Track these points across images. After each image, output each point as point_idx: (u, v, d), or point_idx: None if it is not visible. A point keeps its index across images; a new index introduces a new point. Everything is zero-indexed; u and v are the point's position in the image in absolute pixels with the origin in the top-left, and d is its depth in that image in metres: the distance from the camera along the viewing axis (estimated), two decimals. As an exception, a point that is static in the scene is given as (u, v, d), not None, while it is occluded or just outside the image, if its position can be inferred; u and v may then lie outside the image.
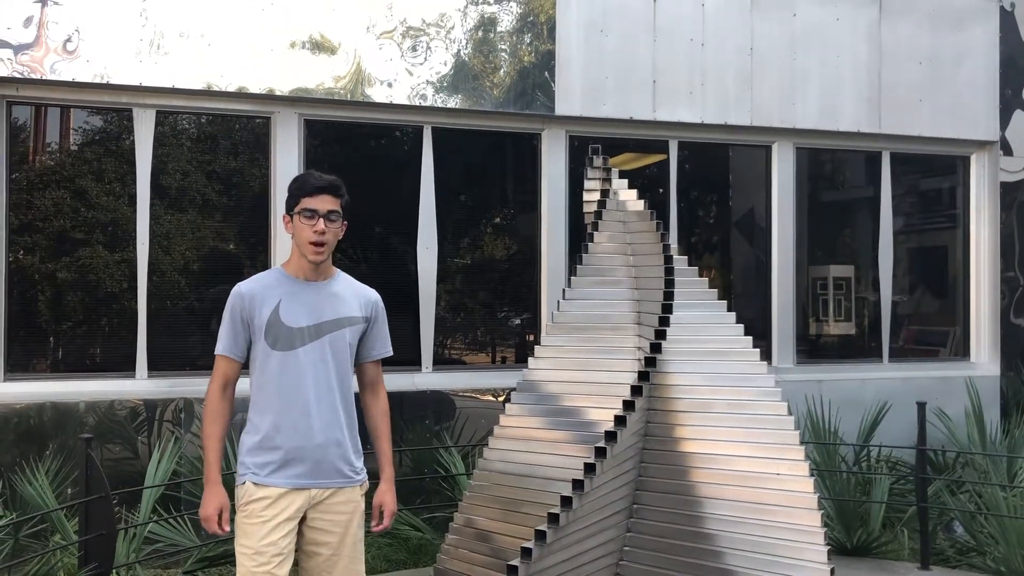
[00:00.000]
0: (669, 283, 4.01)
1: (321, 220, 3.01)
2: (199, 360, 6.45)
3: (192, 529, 5.21)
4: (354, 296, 3.18)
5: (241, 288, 3.11)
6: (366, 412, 3.27)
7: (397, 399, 6.70)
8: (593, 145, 4.56)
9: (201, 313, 6.52)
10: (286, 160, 6.39)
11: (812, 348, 7.72)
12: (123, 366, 6.22)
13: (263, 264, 6.41)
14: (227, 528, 3.06)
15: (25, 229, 6.08)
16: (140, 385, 6.21)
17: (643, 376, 3.86)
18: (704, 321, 4.11)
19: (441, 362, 6.87)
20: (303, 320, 3.05)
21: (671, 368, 3.95)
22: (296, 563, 3.12)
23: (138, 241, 6.19)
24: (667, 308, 3.96)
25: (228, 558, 5.08)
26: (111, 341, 6.32)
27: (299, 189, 3.07)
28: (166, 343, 6.35)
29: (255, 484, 3.01)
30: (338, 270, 3.24)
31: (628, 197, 4.41)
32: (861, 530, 5.44)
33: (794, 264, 7.48)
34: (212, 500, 3.01)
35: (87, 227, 6.17)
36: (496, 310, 7.31)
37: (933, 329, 8.17)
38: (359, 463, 3.17)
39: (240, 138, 6.62)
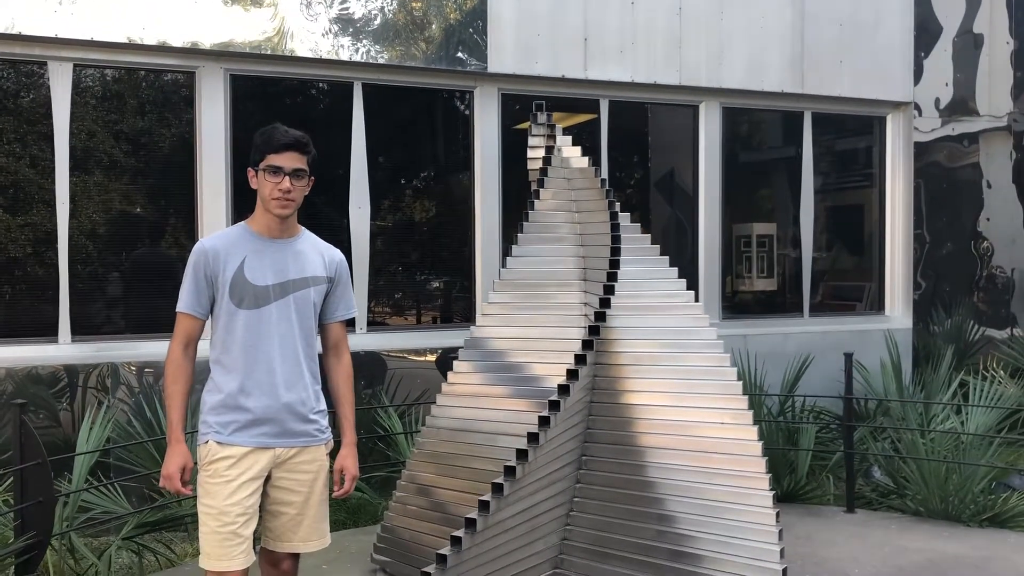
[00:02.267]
0: (615, 239, 4.07)
1: (287, 178, 2.95)
2: (124, 324, 6.25)
3: (125, 497, 5.09)
4: (318, 255, 3.12)
5: (204, 244, 3.00)
6: (329, 375, 3.19)
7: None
8: (537, 102, 4.55)
9: (125, 276, 6.31)
10: (212, 116, 6.19)
11: (736, 304, 7.94)
12: (45, 331, 5.99)
13: (187, 224, 6.23)
14: (190, 489, 2.99)
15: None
16: (63, 350, 5.99)
17: (593, 331, 3.92)
18: (648, 277, 4.18)
19: (375, 323, 6.83)
20: (269, 278, 2.99)
21: (616, 323, 4.01)
22: (261, 523, 3.08)
23: (57, 201, 5.92)
24: (614, 264, 4.02)
25: (166, 524, 4.99)
26: (31, 305, 6.06)
27: (265, 144, 2.98)
28: (89, 307, 6.14)
29: (218, 443, 2.94)
30: (303, 228, 3.17)
31: (572, 154, 4.44)
32: (789, 478, 5.66)
33: (720, 222, 7.65)
34: (175, 459, 2.92)
35: (2, 187, 5.88)
36: (430, 270, 7.29)
37: (850, 284, 8.49)
38: (324, 422, 3.13)
39: (163, 94, 6.37)
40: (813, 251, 8.06)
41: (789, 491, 5.61)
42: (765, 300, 8.09)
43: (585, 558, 3.75)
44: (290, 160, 2.96)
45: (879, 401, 6.64)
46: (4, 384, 5.77)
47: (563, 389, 3.71)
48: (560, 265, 4.29)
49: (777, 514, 3.45)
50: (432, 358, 6.88)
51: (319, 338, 3.16)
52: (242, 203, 6.33)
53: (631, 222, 4.32)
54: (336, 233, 6.59)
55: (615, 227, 4.11)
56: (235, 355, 2.98)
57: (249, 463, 2.95)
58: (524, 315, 4.29)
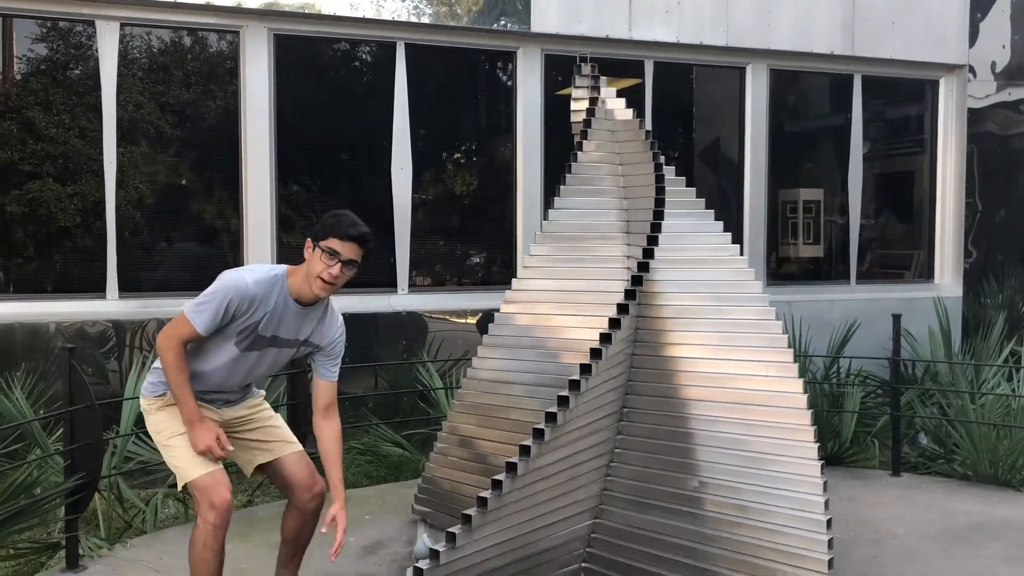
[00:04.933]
0: (660, 191, 4.01)
1: (339, 265, 3.04)
2: (169, 282, 6.34)
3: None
4: (323, 326, 3.25)
5: (250, 288, 3.04)
6: (319, 436, 3.28)
7: (372, 321, 6.70)
8: (581, 55, 4.48)
9: (171, 234, 6.39)
10: (256, 76, 6.23)
11: (782, 270, 7.83)
12: (93, 287, 6.09)
13: (231, 184, 6.28)
14: (229, 448, 3.12)
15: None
16: (111, 306, 6.10)
17: (636, 281, 3.87)
18: (692, 230, 4.11)
19: (416, 284, 6.84)
20: (270, 332, 3.13)
21: (659, 276, 3.96)
22: (254, 471, 3.38)
23: (105, 160, 6.01)
24: (658, 216, 3.96)
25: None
26: (81, 263, 6.17)
27: (332, 228, 3.06)
28: (136, 265, 6.23)
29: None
30: (330, 299, 3.27)
31: (616, 106, 4.37)
32: (833, 442, 5.58)
33: (766, 187, 7.53)
34: (205, 432, 3.05)
35: (48, 152, 5.98)
36: (471, 232, 7.27)
37: (898, 252, 8.32)
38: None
39: (208, 66, 6.42)
40: (861, 218, 7.91)
41: (833, 455, 5.53)
42: (811, 267, 7.96)
43: (626, 508, 3.73)
44: (350, 251, 3.05)
45: (927, 366, 6.51)
46: (54, 339, 5.88)
47: (605, 338, 3.68)
48: (603, 217, 4.25)
49: (822, 465, 3.40)
50: (472, 320, 6.89)
51: (315, 394, 3.31)
52: (285, 171, 6.38)
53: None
54: (377, 194, 6.61)
55: (659, 179, 4.05)
56: (206, 364, 3.14)
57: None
58: (565, 267, 4.25)
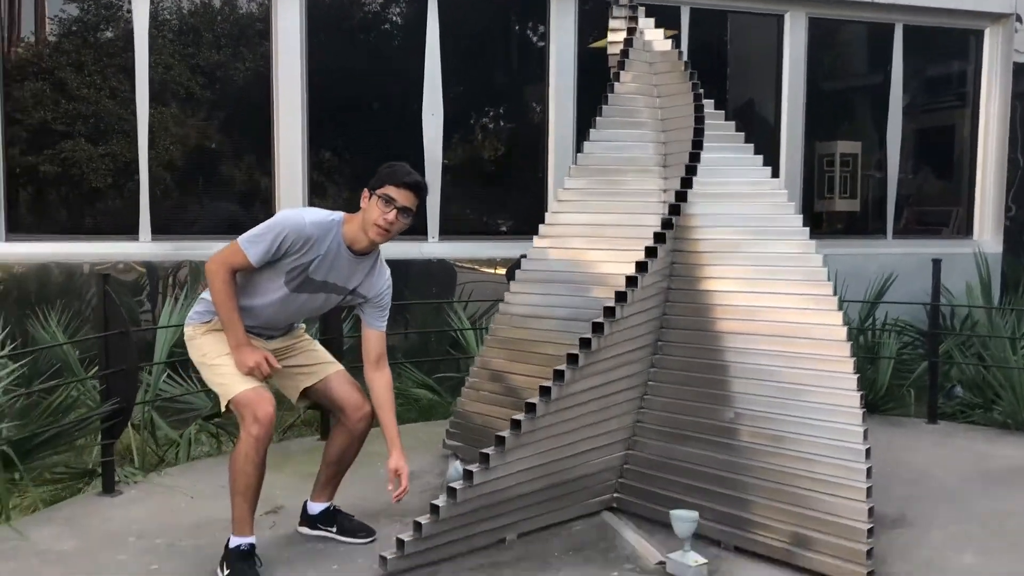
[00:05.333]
0: (699, 121, 3.93)
1: (395, 212, 3.08)
2: (201, 225, 6.36)
3: (201, 386, 5.17)
4: (372, 277, 3.29)
5: (307, 228, 3.07)
6: (371, 386, 3.34)
7: (403, 268, 6.67)
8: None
9: (203, 177, 6.40)
10: (287, 18, 6.19)
11: (817, 224, 7.70)
12: (127, 229, 6.12)
13: (263, 144, 6.26)
14: (277, 366, 3.14)
15: (22, 77, 5.90)
16: (144, 248, 6.13)
17: (672, 212, 3.81)
18: (731, 163, 4.04)
19: (447, 232, 6.81)
20: (321, 276, 3.16)
21: (696, 210, 3.89)
22: (301, 398, 3.46)
23: (137, 103, 6.02)
24: (697, 147, 3.89)
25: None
26: (115, 204, 6.20)
27: (389, 177, 3.12)
28: (169, 207, 6.25)
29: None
30: (379, 250, 3.31)
31: (655, 37, 4.29)
32: (868, 390, 5.49)
33: (802, 139, 7.40)
34: (252, 353, 3.07)
35: (80, 112, 6.00)
36: (502, 181, 7.22)
37: (937, 208, 8.17)
38: None
39: (240, 15, 6.40)
40: (899, 172, 7.75)
41: (868, 404, 5.42)
42: (847, 221, 7.83)
43: (659, 440, 3.69)
44: (405, 198, 3.11)
45: (966, 317, 6.38)
46: (88, 280, 5.92)
47: (641, 266, 3.62)
48: (639, 150, 4.18)
49: (861, 396, 3.33)
50: (502, 271, 6.85)
51: (365, 346, 3.36)
52: (316, 130, 6.35)
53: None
54: (408, 140, 6.57)
55: (699, 109, 3.97)
56: (256, 302, 3.17)
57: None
58: (600, 201, 4.20)
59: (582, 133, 6.85)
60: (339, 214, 3.18)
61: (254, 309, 3.17)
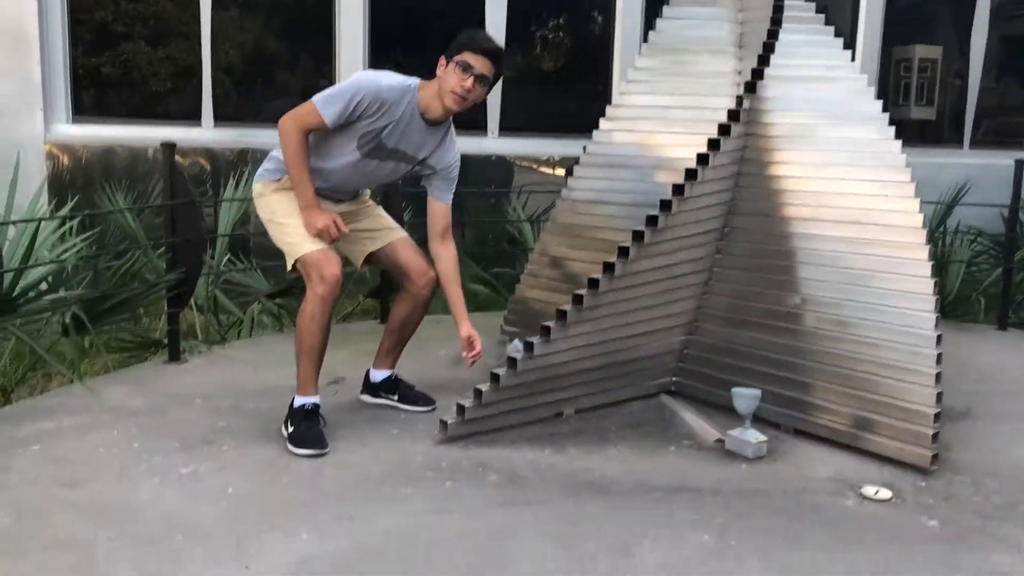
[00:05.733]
0: (778, -1, 3.76)
1: (472, 79, 3.02)
2: (263, 112, 6.36)
3: (262, 273, 5.23)
4: (442, 148, 3.25)
5: (383, 92, 3.02)
6: (438, 259, 3.33)
7: (461, 162, 6.61)
8: None
9: (266, 66, 6.37)
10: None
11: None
12: (190, 115, 6.15)
13: (327, 31, 6.18)
14: (345, 229, 3.12)
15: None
16: (207, 134, 6.16)
17: (747, 92, 3.68)
18: (810, 46, 3.87)
19: (507, 128, 6.72)
20: (393, 143, 3.13)
21: (771, 93, 3.76)
22: (366, 262, 3.47)
23: (201, 6, 5.97)
24: (775, 24, 3.73)
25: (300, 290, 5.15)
26: (178, 90, 6.22)
27: (467, 43, 3.06)
28: (231, 94, 6.25)
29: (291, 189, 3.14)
30: (450, 120, 3.25)
31: (735, -89, 4.08)
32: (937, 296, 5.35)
33: (880, 42, 7.09)
34: (321, 215, 3.05)
35: (140, 14, 5.97)
36: (566, 77, 7.07)
37: (1019, 120, 7.82)
38: None
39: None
40: (981, 80, 7.42)
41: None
42: (921, 128, 7.55)
43: (721, 325, 3.64)
44: (483, 65, 3.04)
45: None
46: (155, 163, 5.98)
47: (713, 143, 3.52)
48: (714, 30, 4.03)
49: (935, 283, 3.24)
50: (560, 172, 6.76)
51: (430, 220, 3.34)
52: (377, 41, 6.24)
53: None
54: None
55: (778, -14, 3.80)
56: (327, 166, 3.14)
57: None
58: (671, 82, 4.07)
59: (649, 23, 6.68)
60: (415, 80, 3.12)
61: (324, 171, 3.15)
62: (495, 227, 6.34)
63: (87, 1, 5.96)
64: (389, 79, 3.05)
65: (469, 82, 3.01)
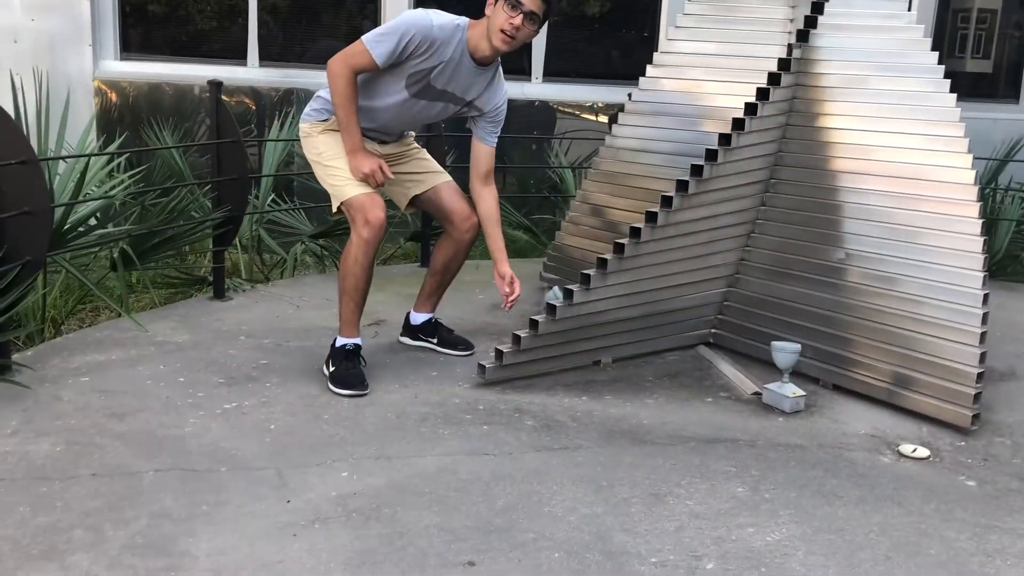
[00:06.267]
0: (834, -56, 3.65)
1: (521, 16, 2.97)
2: (308, 53, 6.34)
3: (307, 214, 5.26)
4: (490, 91, 3.23)
5: (434, 30, 2.99)
6: (479, 200, 3.33)
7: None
8: None
9: (311, 6, 6.34)
10: None
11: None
12: (235, 54, 6.16)
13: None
14: (390, 175, 3.12)
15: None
16: (252, 73, 6.17)
17: (801, 38, 3.60)
18: (865, -8, 3.76)
19: (551, 73, 6.65)
20: (441, 84, 3.11)
21: (824, 42, 3.67)
22: (410, 205, 3.48)
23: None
24: (830, -29, 3.63)
25: (342, 232, 5.19)
26: (223, 29, 6.22)
27: None
28: (276, 34, 6.24)
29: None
30: (498, 61, 3.21)
31: None
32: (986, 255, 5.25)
33: (938, -10, 6.87)
34: (368, 159, 3.06)
35: None
36: (612, 21, 6.95)
37: (1079, 74, 7.56)
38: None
39: None
40: (1042, 32, 7.17)
41: (982, 268, 5.22)
42: (976, 81, 7.34)
43: (763, 278, 3.62)
44: (532, 2, 2.97)
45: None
46: (198, 102, 6.02)
47: (762, 93, 3.46)
48: (767, -25, 3.93)
49: (984, 241, 3.18)
50: (604, 119, 6.68)
51: (473, 161, 3.33)
52: None
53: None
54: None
55: (835, -69, 3.68)
56: (375, 105, 3.13)
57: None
58: (721, 29, 3.99)
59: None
60: (464, 19, 3.09)
61: (372, 111, 3.15)
62: (536, 173, 6.31)
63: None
64: (440, 18, 3.03)
65: (519, 19, 2.96)
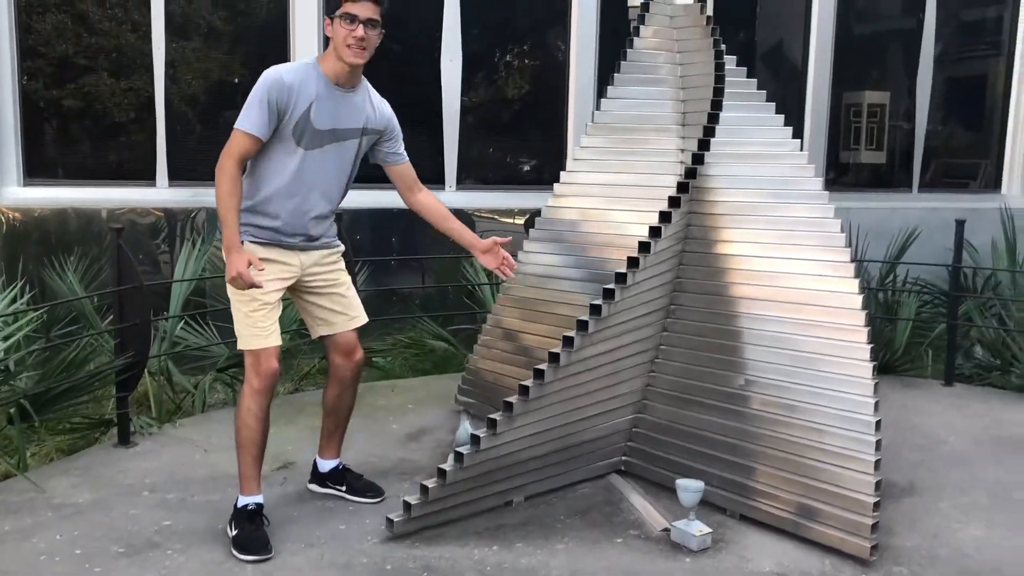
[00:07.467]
0: (719, 80, 3.83)
1: (361, 26, 3.02)
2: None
3: (219, 336, 5.20)
4: (374, 109, 3.25)
5: (282, 76, 3.02)
6: (422, 207, 3.43)
7: (420, 217, 6.63)
8: (640, -67, 4.25)
9: (222, 123, 6.34)
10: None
11: (841, 176, 7.56)
12: (144, 175, 6.12)
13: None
14: (261, 269, 3.00)
15: (43, 9, 5.85)
16: (162, 194, 6.12)
17: (689, 175, 3.74)
18: (751, 123, 3.94)
19: (464, 181, 6.75)
20: (325, 123, 3.10)
21: (714, 171, 3.82)
22: (316, 324, 3.38)
23: (154, 46, 5.96)
24: (716, 106, 3.79)
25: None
26: (132, 150, 6.18)
27: None
28: (186, 153, 6.22)
29: (257, 244, 3.10)
30: (364, 79, 3.25)
31: (676, -10, 4.16)
32: (885, 350, 5.45)
33: (829, 88, 7.22)
34: (240, 258, 2.94)
35: (102, 46, 5.93)
36: (522, 130, 7.12)
37: (965, 161, 7.99)
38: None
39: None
40: (928, 123, 7.57)
41: (885, 364, 5.40)
42: (872, 173, 7.69)
43: (668, 404, 3.69)
44: (364, 9, 3.03)
45: (987, 278, 6.28)
46: (106, 225, 5.93)
47: (654, 232, 3.57)
48: (658, 108, 4.09)
49: (874, 367, 3.30)
50: (520, 221, 6.80)
51: (397, 183, 3.40)
52: None
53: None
54: (425, 87, 6.47)
55: (719, 67, 3.87)
56: (278, 183, 3.09)
57: (281, 263, 3.15)
58: (617, 160, 4.13)
59: (603, 81, 6.75)
60: (311, 56, 3.20)
61: (275, 197, 3.08)
62: (453, 280, 6.35)
63: (46, 35, 5.92)
64: (286, 66, 3.10)
65: (360, 30, 3.01)
